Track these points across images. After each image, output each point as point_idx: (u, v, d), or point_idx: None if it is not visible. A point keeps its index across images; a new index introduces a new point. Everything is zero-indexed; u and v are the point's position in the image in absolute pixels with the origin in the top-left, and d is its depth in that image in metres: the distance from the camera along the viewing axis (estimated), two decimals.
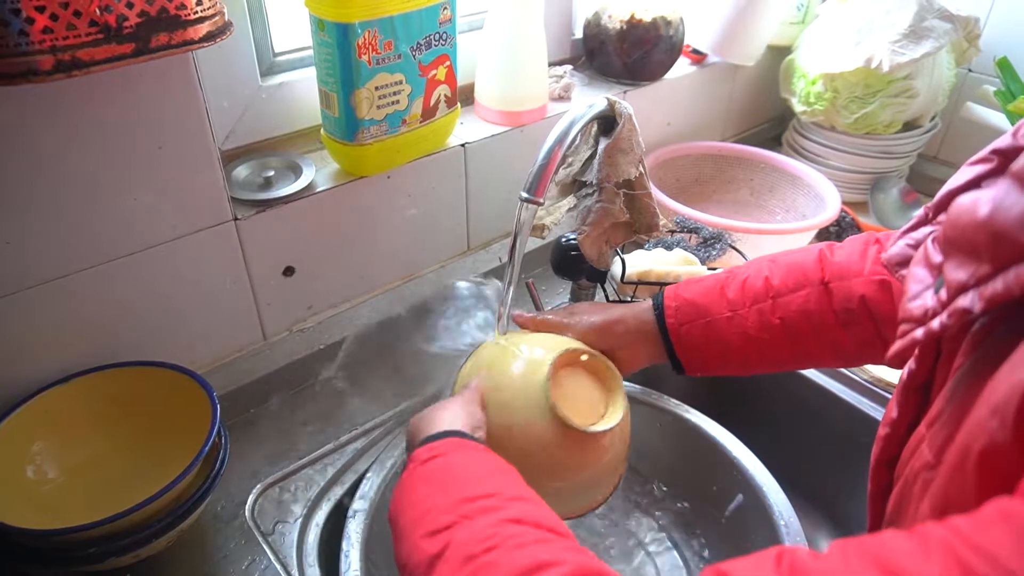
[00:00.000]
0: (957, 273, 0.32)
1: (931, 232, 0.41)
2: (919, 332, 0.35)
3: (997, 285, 0.30)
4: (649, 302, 0.67)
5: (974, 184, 0.38)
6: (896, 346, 0.38)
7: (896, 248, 0.47)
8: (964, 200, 0.33)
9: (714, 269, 0.83)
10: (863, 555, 0.27)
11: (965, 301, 0.32)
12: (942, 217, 0.41)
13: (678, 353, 0.65)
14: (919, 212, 0.45)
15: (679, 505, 0.88)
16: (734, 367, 0.65)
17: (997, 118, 1.14)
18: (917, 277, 0.38)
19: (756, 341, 0.62)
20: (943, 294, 0.34)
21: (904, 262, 0.44)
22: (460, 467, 0.49)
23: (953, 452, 0.31)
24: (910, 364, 0.41)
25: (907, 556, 0.26)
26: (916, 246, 0.44)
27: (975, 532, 0.25)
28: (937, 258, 0.37)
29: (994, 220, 0.30)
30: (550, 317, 0.70)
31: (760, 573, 0.30)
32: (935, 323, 0.34)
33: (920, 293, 0.37)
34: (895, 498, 0.39)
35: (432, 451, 0.51)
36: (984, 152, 0.39)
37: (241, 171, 0.78)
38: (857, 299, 0.58)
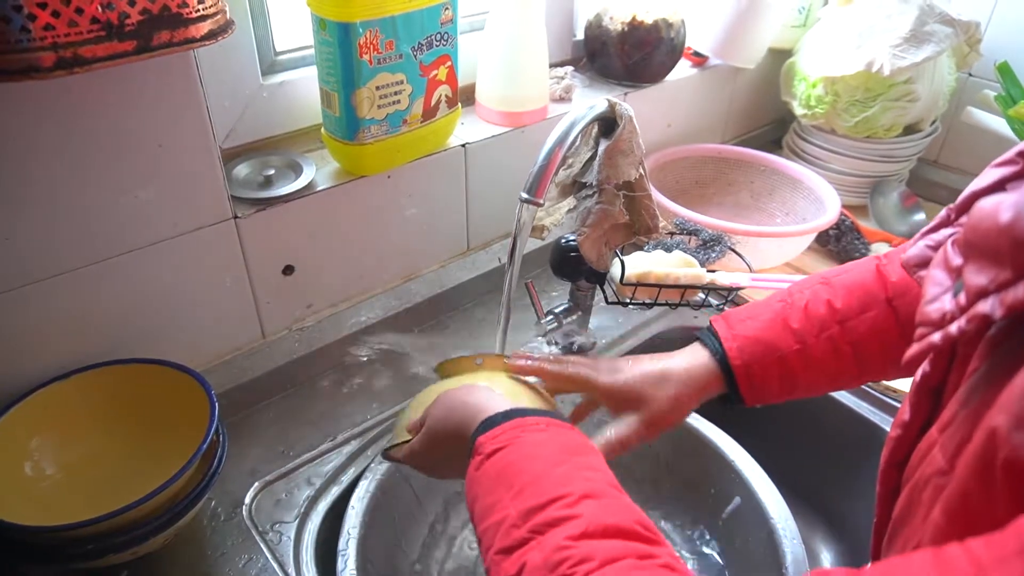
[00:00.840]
0: (977, 278, 0.32)
1: (952, 234, 0.40)
2: (936, 336, 0.35)
3: (1019, 291, 0.29)
4: (697, 350, 0.62)
5: (998, 187, 0.38)
6: (912, 350, 0.37)
7: (916, 249, 0.46)
8: (986, 203, 0.32)
9: (713, 271, 0.83)
10: None
11: (985, 307, 0.31)
12: (964, 219, 0.40)
13: (744, 392, 0.60)
14: (941, 213, 0.44)
15: (676, 507, 0.88)
16: (798, 394, 0.62)
17: (997, 123, 1.14)
18: (936, 280, 0.37)
19: (825, 368, 0.59)
20: (962, 298, 0.33)
21: (923, 263, 0.44)
22: (528, 460, 0.47)
23: (969, 458, 0.31)
24: (924, 366, 0.41)
25: None
26: (936, 248, 0.43)
27: (996, 566, 0.24)
28: (957, 261, 0.36)
29: (1016, 225, 0.30)
30: (570, 370, 0.63)
31: None
32: (953, 328, 0.34)
33: (938, 296, 0.36)
34: (903, 502, 0.39)
35: (497, 442, 0.48)
36: (1010, 154, 0.38)
37: (241, 169, 0.78)
38: None
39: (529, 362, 0.64)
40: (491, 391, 0.56)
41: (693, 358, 0.62)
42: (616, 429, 0.60)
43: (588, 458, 0.48)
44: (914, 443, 0.41)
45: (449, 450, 0.55)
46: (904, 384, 0.87)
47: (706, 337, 0.63)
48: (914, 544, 0.35)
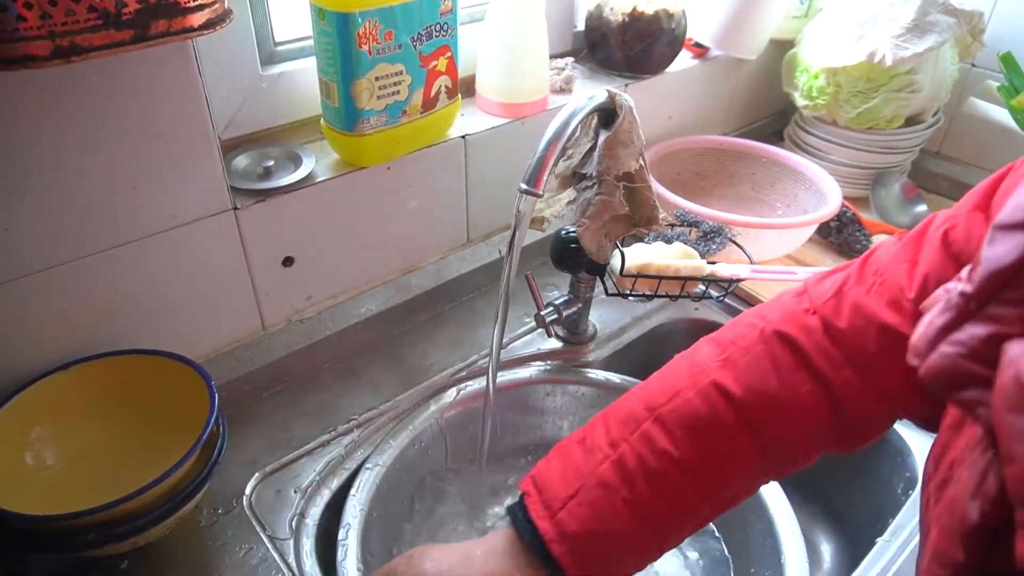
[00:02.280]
0: None
1: (991, 334, 0.30)
2: None
3: None
4: (507, 546, 0.50)
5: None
6: None
7: (941, 358, 0.31)
8: None
9: (713, 263, 0.83)
10: None
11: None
12: (995, 310, 0.30)
13: None
14: (950, 299, 0.32)
15: None
16: (660, 553, 0.51)
17: (1000, 114, 1.13)
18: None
19: (682, 522, 0.50)
20: None
21: (961, 381, 0.30)
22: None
23: None
24: (983, 506, 0.32)
25: None
26: (972, 357, 0.30)
27: None
28: None
29: None
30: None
31: None
32: None
33: None
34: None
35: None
36: (1020, 215, 0.30)
37: (241, 160, 0.78)
38: (796, 436, 0.50)
39: None
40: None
41: (510, 561, 0.49)
42: None
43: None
44: None
45: None
46: None
47: (525, 532, 0.49)
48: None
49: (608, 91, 0.69)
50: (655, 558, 0.51)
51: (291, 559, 0.67)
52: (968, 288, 0.31)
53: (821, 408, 0.48)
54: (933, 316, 0.32)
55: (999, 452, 0.27)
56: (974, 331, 0.30)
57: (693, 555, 0.82)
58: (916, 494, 0.76)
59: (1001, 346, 0.28)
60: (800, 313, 0.50)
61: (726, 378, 0.49)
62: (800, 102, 1.19)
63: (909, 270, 0.46)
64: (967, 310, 0.31)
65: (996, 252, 0.30)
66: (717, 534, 0.83)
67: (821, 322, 0.48)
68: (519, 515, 0.50)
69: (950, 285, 0.32)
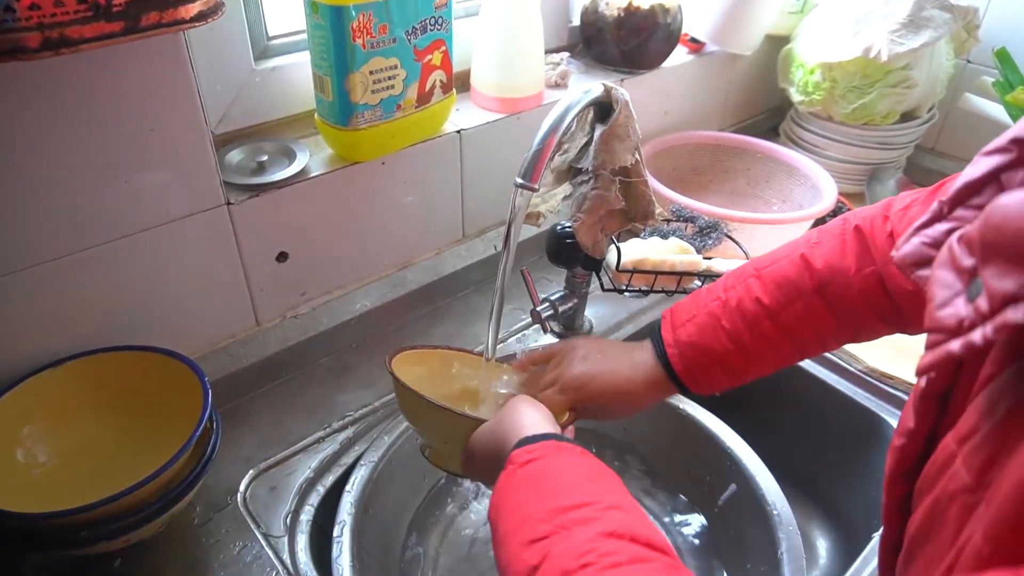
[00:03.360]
0: (1002, 282, 0.29)
1: (950, 229, 0.38)
2: (955, 345, 0.32)
3: None
4: (647, 353, 0.66)
5: (992, 177, 0.36)
6: (927, 358, 0.34)
7: (911, 247, 0.42)
8: (1010, 202, 0.30)
9: (709, 259, 0.83)
10: None
11: (1016, 315, 0.28)
12: (960, 212, 0.38)
13: (692, 388, 0.65)
14: (932, 206, 0.41)
15: (672, 494, 0.88)
16: (744, 380, 0.65)
17: (995, 109, 1.13)
18: (944, 282, 0.35)
19: (763, 358, 0.63)
20: (981, 303, 0.31)
21: (922, 262, 0.40)
22: (558, 471, 0.49)
23: (1015, 486, 0.29)
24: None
25: None
26: (934, 244, 0.40)
27: None
28: (967, 261, 0.34)
29: None
30: (545, 351, 0.72)
31: None
32: (976, 336, 0.31)
33: (950, 300, 0.34)
34: (922, 518, 0.37)
35: (530, 453, 0.51)
36: (1002, 141, 0.36)
37: (234, 155, 0.77)
38: (852, 298, 0.59)
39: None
40: (537, 413, 0.57)
41: (643, 360, 0.66)
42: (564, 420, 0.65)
43: (618, 484, 0.50)
44: (922, 452, 0.39)
45: (489, 463, 0.57)
46: (902, 372, 0.87)
47: (655, 340, 0.67)
48: (945, 567, 0.33)
49: (604, 85, 0.68)
50: (739, 380, 0.64)
51: (285, 556, 0.66)
52: (945, 196, 0.39)
53: (876, 288, 0.59)
54: (919, 222, 0.41)
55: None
56: (940, 227, 0.39)
57: (688, 551, 0.82)
58: None
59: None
60: (879, 216, 0.60)
61: (812, 253, 0.62)
62: (796, 98, 1.19)
63: None
64: (940, 213, 0.40)
65: (973, 169, 0.37)
66: (714, 531, 0.83)
67: (890, 227, 0.59)
68: (655, 332, 0.67)
69: (942, 198, 0.40)
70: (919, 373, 0.37)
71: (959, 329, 0.32)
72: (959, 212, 0.39)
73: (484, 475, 0.62)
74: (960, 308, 0.33)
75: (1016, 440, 0.29)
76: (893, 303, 0.59)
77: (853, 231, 0.61)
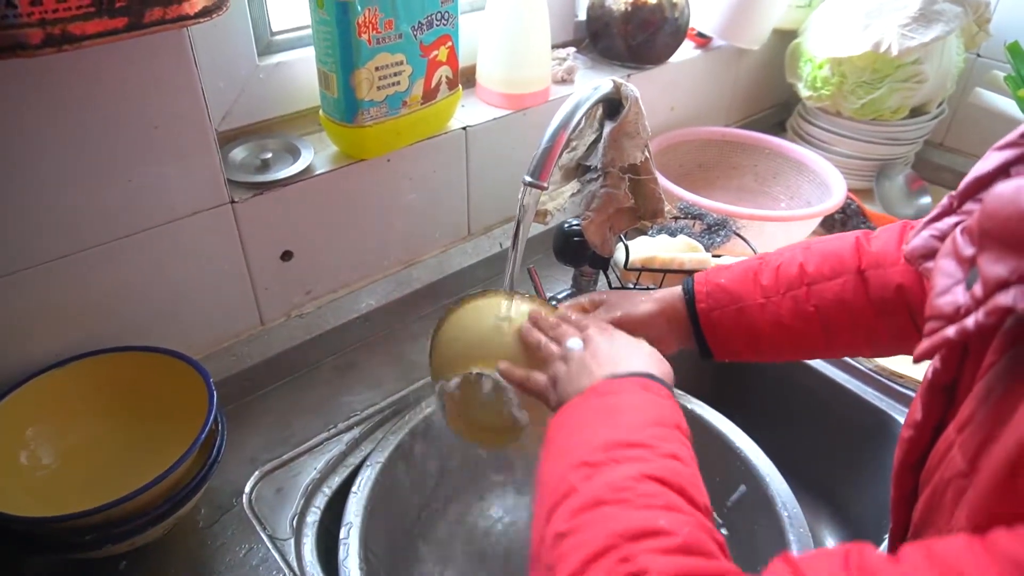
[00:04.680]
0: (995, 268, 0.30)
1: (957, 222, 0.39)
2: (951, 331, 0.33)
3: None
4: (678, 288, 0.66)
5: (1002, 171, 0.36)
6: (924, 344, 0.35)
7: (919, 239, 0.43)
8: (1004, 189, 0.31)
9: (718, 256, 0.82)
10: (934, 565, 0.27)
11: (1006, 299, 0.29)
12: (968, 206, 0.39)
13: (708, 339, 0.63)
14: (943, 201, 0.42)
15: None
16: (765, 354, 0.63)
17: (1006, 104, 1.12)
18: (946, 271, 0.35)
19: (789, 329, 0.61)
20: (977, 289, 0.31)
21: (929, 254, 0.42)
22: (632, 408, 0.48)
23: (995, 462, 0.30)
24: (934, 362, 0.39)
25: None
26: (941, 237, 0.41)
27: None
28: (968, 251, 0.35)
29: None
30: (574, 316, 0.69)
31: (829, 569, 0.30)
32: (970, 321, 0.32)
33: (949, 288, 0.34)
34: (924, 505, 0.38)
35: (612, 388, 0.50)
36: (1013, 136, 0.36)
37: (238, 153, 0.76)
38: (894, 288, 0.57)
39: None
40: (650, 356, 0.56)
41: (669, 294, 0.66)
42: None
43: (684, 438, 0.49)
44: (929, 444, 0.39)
45: (575, 373, 0.55)
46: (912, 370, 0.86)
47: (686, 282, 0.66)
48: None
49: (614, 81, 0.67)
50: (756, 347, 0.62)
51: (292, 559, 0.66)
52: (955, 192, 0.40)
53: (912, 284, 0.57)
54: (928, 216, 0.42)
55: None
56: (949, 220, 0.41)
57: None
58: None
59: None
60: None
61: (866, 238, 0.61)
62: (804, 93, 1.18)
63: None
64: (950, 207, 0.41)
65: (984, 164, 0.38)
66: (723, 530, 0.82)
67: None
68: (688, 278, 0.65)
69: (952, 192, 0.41)
70: (916, 359, 0.37)
71: (956, 316, 0.33)
72: (968, 206, 0.39)
73: (557, 384, 0.58)
74: (959, 296, 0.33)
75: (1004, 424, 0.30)
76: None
77: (904, 227, 0.61)
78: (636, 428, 0.46)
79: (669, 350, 0.64)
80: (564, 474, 0.43)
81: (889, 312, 0.58)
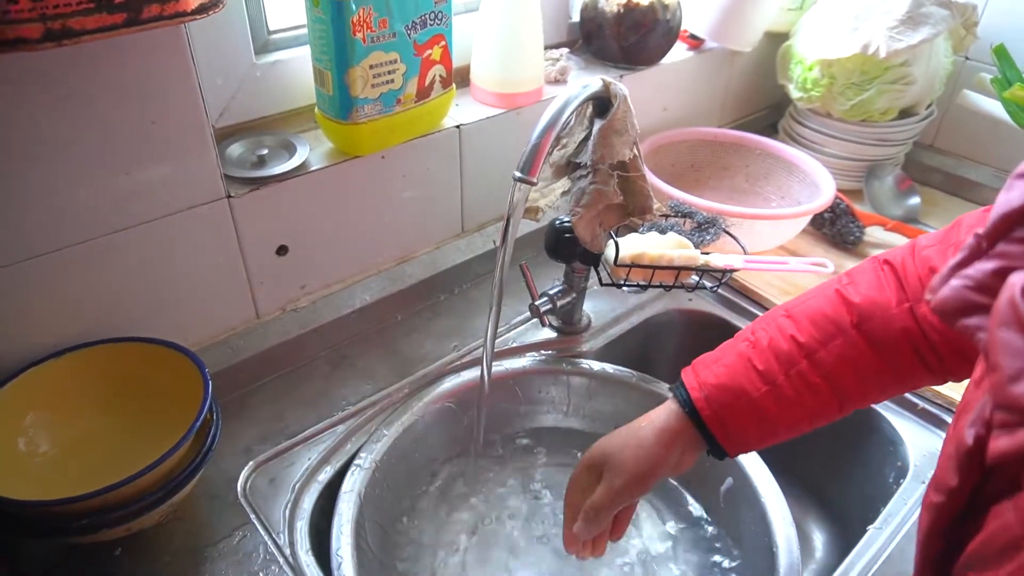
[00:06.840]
0: None
1: (997, 269, 0.33)
2: None
3: None
4: (670, 405, 0.62)
5: None
6: (1003, 444, 0.30)
7: (950, 291, 0.35)
8: None
9: (707, 254, 0.83)
10: None
11: None
12: (1003, 247, 0.33)
13: (721, 441, 0.59)
14: (969, 241, 0.35)
15: (667, 485, 0.88)
16: (781, 436, 0.60)
17: (993, 106, 1.14)
18: (1012, 347, 0.29)
19: (803, 406, 0.58)
20: None
21: (967, 310, 0.34)
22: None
23: None
24: (978, 429, 0.34)
25: None
26: (979, 288, 0.34)
27: None
28: None
29: None
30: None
31: None
32: None
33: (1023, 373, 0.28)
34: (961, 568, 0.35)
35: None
36: None
37: (235, 149, 0.77)
38: (895, 333, 0.56)
39: None
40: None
41: (666, 414, 0.61)
42: (591, 497, 0.62)
43: None
44: (964, 511, 0.36)
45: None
46: None
47: (677, 391, 0.62)
48: None
49: (603, 79, 0.69)
50: (771, 431, 0.59)
51: (285, 547, 0.67)
52: (982, 229, 0.34)
53: (913, 325, 0.55)
54: (952, 259, 0.36)
55: (989, 365, 0.30)
56: (983, 266, 0.34)
57: (683, 543, 0.83)
58: (907, 482, 0.76)
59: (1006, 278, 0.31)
60: (907, 255, 0.58)
61: (846, 289, 0.58)
62: (795, 94, 1.19)
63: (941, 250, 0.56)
64: (979, 249, 0.34)
65: (1010, 196, 0.33)
66: (710, 524, 0.84)
67: (917, 268, 0.57)
68: (677, 386, 0.62)
69: (978, 231, 0.35)
70: (991, 460, 0.31)
71: None
72: (1002, 247, 0.33)
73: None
74: None
75: None
76: (932, 344, 0.55)
77: (883, 264, 0.59)
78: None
79: (688, 467, 0.62)
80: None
81: (891, 356, 0.56)
